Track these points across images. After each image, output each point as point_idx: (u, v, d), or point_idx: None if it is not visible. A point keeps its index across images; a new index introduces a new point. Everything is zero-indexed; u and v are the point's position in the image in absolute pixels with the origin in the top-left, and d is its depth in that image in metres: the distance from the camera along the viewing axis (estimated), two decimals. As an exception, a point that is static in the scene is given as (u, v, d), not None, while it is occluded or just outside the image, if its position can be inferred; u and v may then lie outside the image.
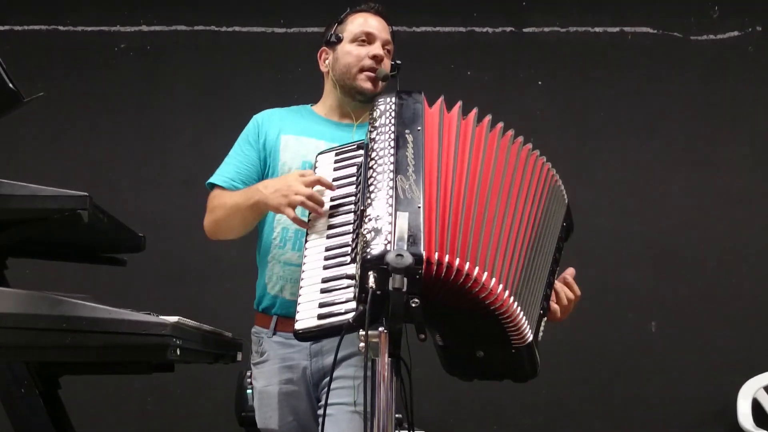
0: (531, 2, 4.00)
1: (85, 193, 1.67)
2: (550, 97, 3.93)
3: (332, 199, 1.82)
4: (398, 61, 2.17)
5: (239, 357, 2.22)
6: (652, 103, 3.92)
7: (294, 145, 2.13)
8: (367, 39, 2.14)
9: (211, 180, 2.14)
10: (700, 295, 3.77)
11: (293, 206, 1.83)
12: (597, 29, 3.99)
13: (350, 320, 1.47)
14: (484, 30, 3.99)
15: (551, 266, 1.80)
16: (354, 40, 2.15)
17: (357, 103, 2.16)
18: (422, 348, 1.56)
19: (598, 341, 3.72)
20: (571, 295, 1.86)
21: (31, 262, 2.19)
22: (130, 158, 3.87)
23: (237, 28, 3.98)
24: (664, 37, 3.97)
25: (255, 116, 2.23)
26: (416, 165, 1.57)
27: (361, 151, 1.83)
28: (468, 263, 1.49)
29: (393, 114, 1.69)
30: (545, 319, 1.76)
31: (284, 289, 2.06)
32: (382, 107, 1.73)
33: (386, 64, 2.15)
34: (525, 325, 1.55)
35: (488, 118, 1.77)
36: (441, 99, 1.77)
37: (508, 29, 3.99)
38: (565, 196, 1.92)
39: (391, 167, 1.57)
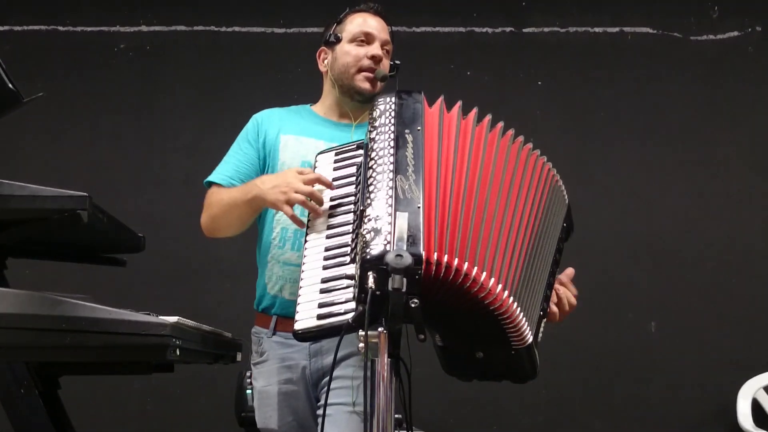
0: (531, 2, 4.00)
1: (85, 194, 1.67)
2: (550, 97, 3.93)
3: (332, 199, 1.82)
4: (397, 62, 2.17)
5: (239, 357, 2.22)
6: (652, 103, 3.92)
7: (293, 144, 2.13)
8: (366, 39, 2.14)
9: (210, 178, 2.14)
10: (700, 295, 3.77)
11: (292, 204, 1.83)
12: (597, 29, 3.99)
13: (350, 320, 1.47)
14: (484, 30, 3.99)
15: (551, 267, 1.80)
16: (353, 40, 2.15)
17: (355, 104, 2.16)
18: (422, 348, 1.56)
19: (598, 341, 3.72)
20: (573, 300, 1.86)
21: (31, 262, 2.19)
22: (130, 158, 3.87)
23: (237, 29, 3.98)
24: (664, 37, 3.97)
25: (254, 115, 2.23)
26: (416, 165, 1.57)
27: (361, 151, 1.83)
28: (467, 263, 1.49)
29: (393, 114, 1.69)
30: (545, 320, 1.76)
31: (284, 289, 2.06)
32: (381, 107, 1.73)
33: (385, 65, 2.15)
34: (524, 326, 1.55)
35: (488, 117, 1.76)
36: (441, 99, 1.76)
37: (508, 29, 3.99)
38: (566, 196, 1.92)
39: (391, 167, 1.57)
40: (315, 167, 1.95)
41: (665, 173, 3.87)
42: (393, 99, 1.73)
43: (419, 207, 1.49)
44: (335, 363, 1.76)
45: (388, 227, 1.46)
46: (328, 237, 1.74)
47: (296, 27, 3.95)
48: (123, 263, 2.32)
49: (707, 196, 3.85)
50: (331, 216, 1.79)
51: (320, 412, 1.91)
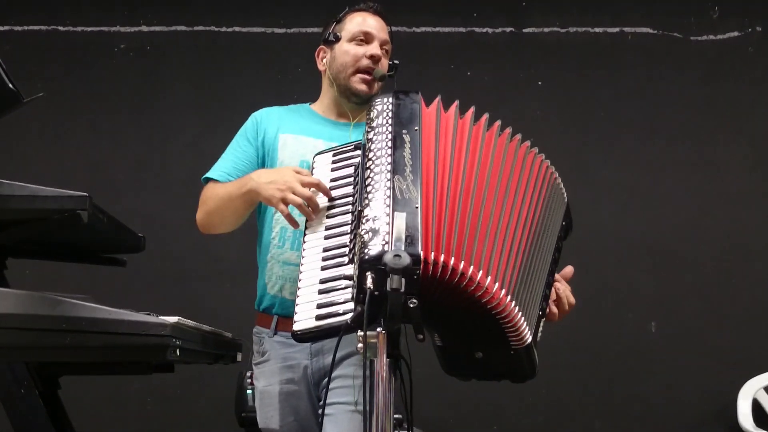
0: (531, 2, 4.00)
1: (85, 194, 1.67)
2: (550, 97, 3.93)
3: (330, 200, 1.82)
4: (396, 61, 2.16)
5: (239, 357, 2.22)
6: (652, 103, 3.92)
7: (292, 144, 2.13)
8: (365, 38, 2.14)
9: (208, 174, 2.13)
10: (700, 295, 3.78)
11: (287, 204, 1.83)
12: (597, 29, 3.99)
13: (348, 321, 1.46)
14: (484, 30, 3.99)
15: (550, 266, 1.80)
16: (352, 39, 2.15)
17: (352, 104, 2.16)
18: (422, 348, 1.56)
19: (598, 341, 3.72)
20: (572, 299, 1.86)
21: (31, 262, 2.20)
22: (130, 158, 3.87)
23: (237, 29, 3.98)
24: (664, 37, 3.97)
25: (254, 114, 2.23)
26: (413, 165, 1.57)
27: (359, 152, 1.83)
28: (464, 263, 1.48)
29: (390, 114, 1.69)
30: (544, 319, 1.76)
31: (284, 288, 2.06)
32: (379, 107, 1.72)
33: (384, 64, 2.15)
34: (523, 326, 1.55)
35: (485, 116, 1.76)
36: (438, 99, 1.76)
37: (508, 29, 3.99)
38: (565, 195, 1.92)
39: (389, 167, 1.57)
40: (313, 168, 1.95)
41: (665, 173, 3.87)
42: (390, 99, 1.73)
43: (417, 207, 1.49)
44: (335, 363, 1.77)
45: (386, 227, 1.45)
46: (326, 237, 1.74)
47: (296, 27, 3.96)
48: (123, 263, 2.32)
49: (707, 196, 3.85)
50: (329, 216, 1.78)
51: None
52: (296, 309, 1.62)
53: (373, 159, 1.61)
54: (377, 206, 1.51)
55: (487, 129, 1.74)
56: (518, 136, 1.80)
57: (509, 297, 1.52)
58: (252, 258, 2.21)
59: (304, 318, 1.58)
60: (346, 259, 1.63)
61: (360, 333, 1.38)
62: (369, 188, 1.55)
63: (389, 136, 1.63)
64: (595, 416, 3.72)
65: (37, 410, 1.90)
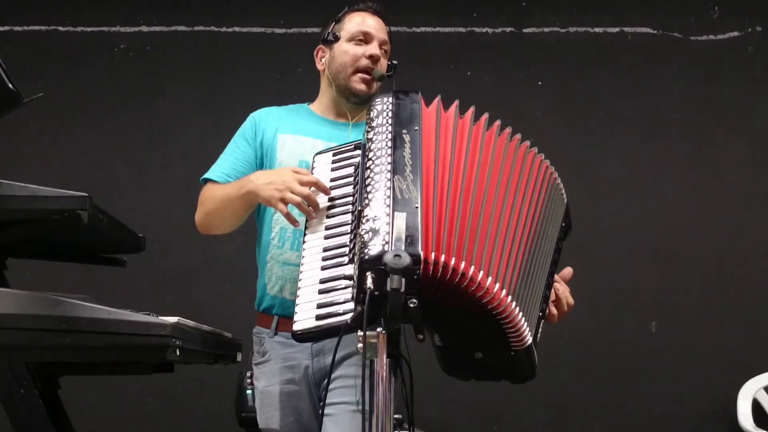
0: (531, 2, 4.00)
1: (85, 194, 1.67)
2: (550, 97, 3.93)
3: (330, 200, 1.82)
4: (394, 62, 2.16)
5: (239, 357, 2.23)
6: (652, 103, 3.92)
7: (291, 144, 2.13)
8: (365, 38, 2.14)
9: (206, 175, 2.13)
10: (700, 295, 3.78)
11: (287, 203, 1.83)
12: (597, 29, 3.99)
13: (348, 321, 1.46)
14: (484, 30, 3.99)
15: (550, 267, 1.79)
16: (351, 39, 2.15)
17: (351, 104, 2.16)
18: (422, 348, 1.56)
19: (598, 341, 3.72)
20: (571, 300, 1.86)
21: (31, 262, 2.20)
22: (130, 159, 3.88)
23: (237, 29, 3.98)
24: (664, 37, 3.97)
25: (252, 114, 2.23)
26: (413, 165, 1.57)
27: (359, 152, 1.83)
28: (464, 263, 1.48)
29: (390, 114, 1.69)
30: (543, 320, 1.76)
31: (284, 289, 2.06)
32: (379, 107, 1.72)
33: (383, 64, 2.15)
34: (524, 327, 1.55)
35: (485, 116, 1.76)
36: (438, 99, 1.76)
37: (508, 29, 3.99)
38: (564, 195, 1.91)
39: (389, 167, 1.57)
40: (313, 168, 1.95)
41: (665, 173, 3.87)
42: (390, 99, 1.73)
43: (417, 207, 1.49)
44: (334, 363, 1.77)
45: (386, 227, 1.45)
46: (326, 237, 1.74)
47: (296, 27, 3.96)
48: (123, 263, 2.33)
49: (707, 196, 3.85)
50: (329, 216, 1.78)
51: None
52: (296, 309, 1.62)
53: (373, 159, 1.61)
54: (377, 206, 1.51)
55: (486, 129, 1.74)
56: (518, 136, 1.80)
57: (510, 298, 1.52)
58: (252, 258, 2.21)
59: (304, 318, 1.58)
60: (346, 259, 1.63)
61: (360, 333, 1.38)
62: (369, 188, 1.55)
63: (389, 136, 1.63)
64: (595, 416, 3.72)
65: (38, 410, 1.90)
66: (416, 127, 1.65)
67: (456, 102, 1.76)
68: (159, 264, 3.63)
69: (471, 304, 1.50)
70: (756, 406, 3.57)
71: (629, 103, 3.92)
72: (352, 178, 1.82)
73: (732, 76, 3.93)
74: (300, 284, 1.68)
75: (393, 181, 1.53)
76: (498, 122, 1.77)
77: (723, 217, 3.82)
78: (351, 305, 1.49)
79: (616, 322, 3.77)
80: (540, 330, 1.72)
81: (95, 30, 3.95)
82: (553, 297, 1.82)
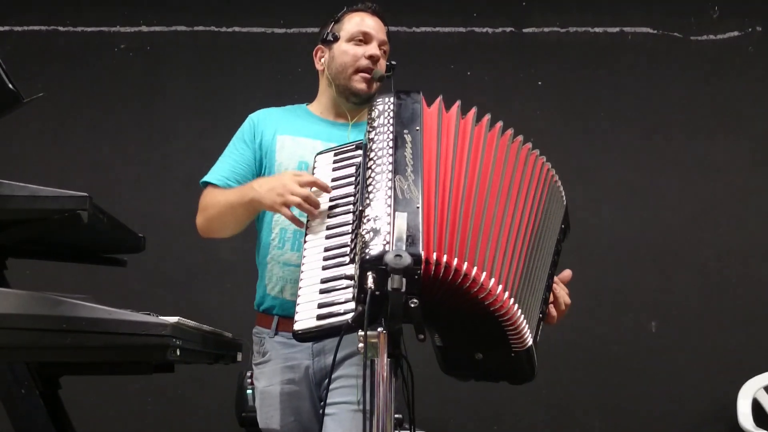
0: (531, 2, 4.00)
1: (85, 194, 1.67)
2: (550, 97, 3.93)
3: (331, 200, 1.82)
4: (393, 62, 2.16)
5: (239, 357, 2.23)
6: (652, 103, 3.92)
7: (290, 145, 2.13)
8: (364, 39, 2.14)
9: (206, 178, 2.13)
10: (700, 295, 3.78)
11: (289, 206, 1.83)
12: (597, 29, 3.99)
13: (349, 321, 1.47)
14: (484, 30, 3.99)
15: (550, 269, 1.80)
16: (351, 40, 2.15)
17: (351, 104, 2.16)
18: (422, 348, 1.56)
19: (598, 341, 3.72)
20: (568, 299, 1.86)
21: (31, 262, 2.20)
22: (130, 159, 3.87)
23: (237, 29, 3.98)
24: (664, 37, 3.97)
25: (251, 115, 2.23)
26: (415, 165, 1.57)
27: (360, 151, 1.83)
28: (467, 263, 1.48)
29: (391, 114, 1.69)
30: (543, 322, 1.76)
31: (284, 289, 2.06)
32: (380, 107, 1.73)
33: (381, 65, 2.14)
34: (525, 329, 1.55)
35: (487, 117, 1.76)
36: (439, 99, 1.76)
37: (508, 29, 3.99)
38: (564, 196, 1.92)
39: (390, 167, 1.57)
40: (314, 167, 1.95)
41: (665, 173, 3.87)
42: (391, 99, 1.73)
43: (418, 207, 1.49)
44: (335, 363, 1.77)
45: (387, 227, 1.46)
46: (327, 237, 1.74)
47: (296, 27, 3.96)
48: (123, 263, 2.32)
49: (707, 196, 3.85)
50: (330, 216, 1.79)
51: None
52: (297, 309, 1.62)
53: (375, 159, 1.61)
54: (378, 206, 1.51)
55: (488, 129, 1.74)
56: (520, 138, 1.80)
57: (511, 299, 1.52)
58: (252, 258, 2.21)
59: (305, 318, 1.58)
60: (347, 259, 1.63)
61: (361, 333, 1.38)
62: (370, 188, 1.55)
63: (390, 136, 1.64)
64: (595, 416, 3.72)
65: (38, 410, 1.90)
66: (418, 127, 1.65)
67: (458, 102, 1.76)
68: (159, 264, 3.63)
69: (472, 304, 1.50)
70: (756, 405, 3.57)
71: (629, 103, 3.92)
72: (353, 178, 1.82)
73: (732, 76, 3.93)
74: (301, 284, 1.68)
75: (394, 181, 1.54)
76: (500, 123, 1.77)
77: (723, 217, 3.82)
78: (352, 305, 1.50)
79: (616, 322, 3.77)
80: (540, 331, 1.72)
81: (95, 30, 3.95)
82: (551, 298, 1.82)
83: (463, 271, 1.47)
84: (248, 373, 2.87)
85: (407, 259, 1.35)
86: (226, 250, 3.62)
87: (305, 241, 1.78)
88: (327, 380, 1.97)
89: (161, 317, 1.57)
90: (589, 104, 3.94)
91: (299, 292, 1.66)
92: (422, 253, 1.43)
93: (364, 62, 2.11)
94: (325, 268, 1.67)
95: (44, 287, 1.74)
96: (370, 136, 1.68)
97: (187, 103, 3.92)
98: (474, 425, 3.71)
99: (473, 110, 1.76)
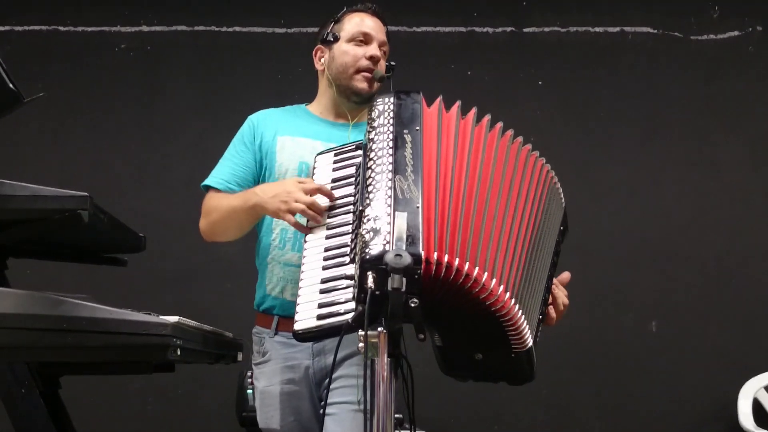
0: (531, 2, 4.01)
1: (86, 194, 1.67)
2: (550, 97, 3.93)
3: (333, 201, 1.82)
4: (392, 63, 2.17)
5: (240, 357, 2.22)
6: (653, 102, 3.92)
7: (290, 146, 2.13)
8: (365, 39, 2.14)
9: (206, 182, 2.14)
10: (700, 295, 3.78)
11: (293, 213, 1.83)
12: (597, 29, 3.99)
13: (349, 320, 1.47)
14: (484, 30, 3.99)
15: (549, 270, 1.80)
16: (351, 40, 2.15)
17: (352, 104, 2.16)
18: (422, 348, 1.56)
19: (598, 341, 3.72)
20: (566, 300, 1.87)
21: (31, 262, 2.20)
22: (131, 158, 3.88)
23: (237, 29, 3.98)
24: (664, 37, 3.97)
25: (250, 117, 2.23)
26: (415, 165, 1.57)
27: (360, 152, 1.83)
28: (468, 263, 1.48)
29: (391, 114, 1.69)
30: (542, 323, 1.76)
31: (285, 290, 2.06)
32: (380, 107, 1.73)
33: (381, 66, 2.15)
34: (525, 329, 1.55)
35: (487, 117, 1.76)
36: (439, 99, 1.76)
37: (508, 29, 3.99)
38: (563, 198, 1.92)
39: (390, 167, 1.57)
40: (314, 168, 1.95)
41: (665, 173, 3.87)
42: (391, 99, 1.73)
43: (418, 207, 1.49)
44: (335, 363, 1.77)
45: (387, 227, 1.46)
46: (327, 237, 1.74)
47: (297, 27, 3.96)
48: (124, 263, 2.33)
49: (707, 196, 3.85)
50: (330, 216, 1.79)
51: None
52: (297, 308, 1.62)
53: (375, 159, 1.61)
54: (378, 206, 1.51)
55: (489, 130, 1.74)
56: (519, 138, 1.80)
57: (513, 300, 1.52)
58: (253, 258, 2.21)
59: (306, 317, 1.58)
60: (347, 259, 1.63)
61: (361, 332, 1.39)
62: (370, 188, 1.55)
63: (390, 136, 1.64)
64: (595, 416, 3.73)
65: (38, 410, 1.90)
66: (418, 127, 1.65)
67: (458, 103, 1.76)
68: (159, 264, 3.63)
69: (473, 304, 1.50)
70: (756, 405, 3.57)
71: (629, 103, 3.92)
72: (353, 178, 1.82)
73: (732, 76, 3.93)
74: (301, 284, 1.68)
75: (394, 181, 1.54)
76: (500, 124, 1.77)
77: (723, 217, 3.83)
78: (352, 305, 1.50)
79: (616, 322, 3.77)
80: (539, 332, 1.72)
81: (96, 30, 3.95)
82: (550, 300, 1.82)
83: (464, 271, 1.47)
84: (249, 373, 2.88)
85: (407, 259, 1.36)
86: (227, 249, 3.60)
87: (305, 241, 1.78)
88: (327, 380, 1.98)
89: (162, 317, 1.57)
90: (589, 104, 3.94)
91: (299, 292, 1.66)
92: (422, 253, 1.43)
93: (365, 63, 2.11)
94: (325, 268, 1.67)
95: (45, 287, 1.74)
96: (370, 136, 1.68)
97: (188, 103, 3.92)
98: (474, 425, 3.71)
99: (473, 110, 1.76)
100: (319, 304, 1.58)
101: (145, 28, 3.96)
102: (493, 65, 3.96)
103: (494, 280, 1.50)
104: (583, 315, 3.60)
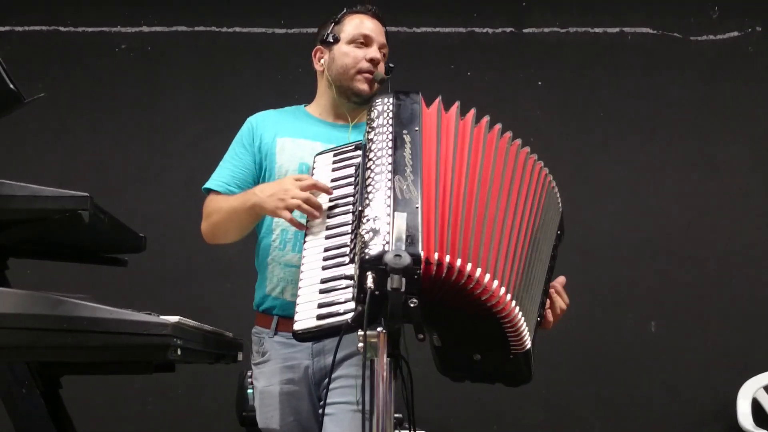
0: (531, 2, 4.01)
1: (86, 194, 1.67)
2: (550, 97, 3.93)
3: (331, 200, 1.83)
4: (391, 65, 2.18)
5: (240, 357, 2.23)
6: (652, 103, 3.92)
7: (290, 147, 2.13)
8: (365, 41, 2.15)
9: (207, 185, 2.15)
10: (700, 295, 3.78)
11: (290, 209, 1.84)
12: (597, 29, 3.99)
13: (349, 320, 1.47)
14: (484, 30, 3.99)
15: (547, 273, 1.80)
16: (351, 42, 2.15)
17: (352, 105, 2.16)
18: (422, 348, 1.57)
19: (598, 341, 3.72)
20: (563, 305, 1.87)
21: (32, 262, 2.20)
22: (131, 159, 3.88)
23: (237, 29, 3.98)
24: (664, 37, 3.98)
25: (249, 119, 2.23)
26: (414, 165, 1.57)
27: (359, 152, 1.84)
28: (470, 264, 1.48)
29: (390, 114, 1.69)
30: (540, 325, 1.76)
31: (285, 290, 2.06)
32: (379, 108, 1.73)
33: (381, 68, 2.15)
34: (524, 330, 1.55)
35: (486, 118, 1.76)
36: (438, 99, 1.77)
37: (508, 30, 3.99)
38: (560, 202, 1.92)
39: (389, 168, 1.57)
40: (314, 168, 1.96)
41: (665, 173, 3.87)
42: (391, 100, 1.73)
43: (417, 207, 1.50)
44: (335, 363, 1.77)
45: (386, 227, 1.46)
46: (327, 237, 1.74)
47: (297, 27, 3.96)
48: (124, 263, 2.33)
49: (707, 196, 3.85)
50: (330, 217, 1.79)
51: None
52: (297, 308, 1.62)
53: (374, 159, 1.61)
54: (378, 206, 1.51)
55: (488, 131, 1.75)
56: (518, 141, 1.80)
57: (514, 302, 1.52)
58: (253, 258, 2.21)
59: (305, 317, 1.59)
60: (346, 259, 1.63)
61: (360, 333, 1.39)
62: (369, 188, 1.55)
63: (390, 137, 1.64)
64: (595, 416, 3.73)
65: (39, 410, 1.90)
66: (417, 128, 1.66)
67: (457, 103, 1.76)
68: (160, 264, 3.63)
69: (473, 305, 1.50)
70: (756, 405, 3.57)
71: (629, 103, 3.92)
72: (352, 179, 1.82)
73: (732, 76, 3.93)
74: (301, 284, 1.68)
75: (393, 182, 1.54)
76: (499, 126, 1.77)
77: (723, 217, 3.83)
78: (352, 305, 1.50)
79: (616, 321, 3.77)
80: (536, 335, 1.72)
81: (96, 30, 3.96)
82: (548, 303, 1.83)
83: (466, 272, 1.47)
84: (249, 373, 2.88)
85: (407, 259, 1.36)
86: (227, 249, 3.58)
87: (305, 242, 1.79)
88: (326, 380, 1.98)
89: (162, 317, 1.57)
90: (589, 104, 3.94)
91: (299, 292, 1.66)
92: (422, 253, 1.43)
93: (365, 65, 2.12)
94: (324, 268, 1.67)
95: (45, 287, 1.74)
96: (370, 137, 1.68)
97: (188, 103, 3.93)
98: (474, 425, 3.72)
99: (472, 111, 1.76)
100: (318, 304, 1.59)
101: (145, 29, 3.97)
102: (492, 65, 3.96)
103: (496, 282, 1.50)
104: (582, 315, 3.60)
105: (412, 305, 1.39)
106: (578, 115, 3.94)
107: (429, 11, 3.98)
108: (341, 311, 1.53)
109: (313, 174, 1.93)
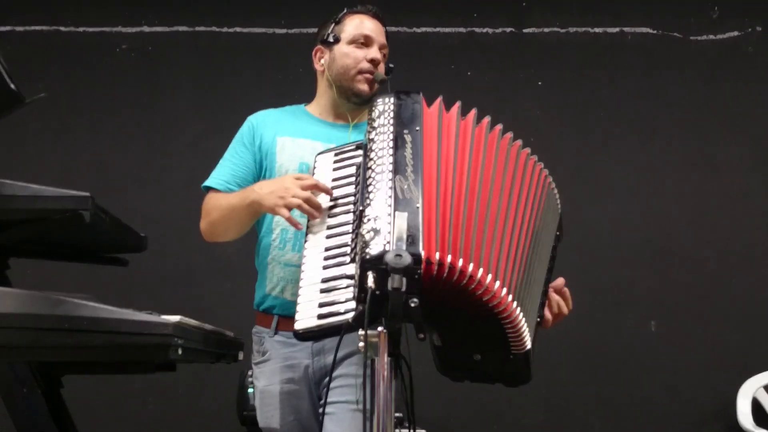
0: (531, 2, 4.01)
1: (87, 194, 1.67)
2: (550, 97, 3.93)
3: (331, 200, 1.83)
4: (391, 65, 2.18)
5: (241, 356, 2.23)
6: (652, 103, 3.92)
7: (290, 146, 2.13)
8: (365, 42, 2.15)
9: (207, 183, 2.15)
10: (700, 295, 3.78)
11: (289, 208, 1.84)
12: (597, 29, 3.99)
13: (350, 320, 1.47)
14: (484, 30, 3.99)
15: (546, 274, 1.80)
16: (352, 42, 2.15)
17: (352, 105, 2.17)
18: (422, 347, 1.57)
19: (598, 341, 3.73)
20: (565, 309, 1.87)
21: (32, 262, 2.20)
22: (132, 158, 3.88)
23: (238, 29, 3.99)
24: (664, 37, 3.98)
25: (249, 118, 2.23)
26: (415, 165, 1.58)
27: (360, 152, 1.84)
28: (472, 264, 1.48)
29: (391, 114, 1.70)
30: (539, 326, 1.76)
31: (285, 290, 2.06)
32: (380, 107, 1.73)
33: (381, 68, 2.16)
34: (525, 331, 1.55)
35: (487, 119, 1.77)
36: (439, 99, 1.77)
37: (508, 30, 3.99)
38: (559, 203, 1.92)
39: (390, 167, 1.57)
40: (314, 168, 1.96)
41: (665, 173, 3.87)
42: (392, 99, 1.74)
43: (418, 207, 1.50)
44: (336, 362, 1.78)
45: (387, 227, 1.46)
46: (328, 237, 1.75)
47: (297, 27, 3.96)
48: (125, 263, 2.33)
49: (707, 196, 3.85)
50: (330, 216, 1.79)
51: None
52: (298, 308, 1.62)
53: (375, 159, 1.61)
54: (378, 206, 1.51)
55: (489, 131, 1.75)
56: (519, 142, 1.81)
57: (515, 302, 1.53)
58: (252, 257, 2.21)
59: (306, 317, 1.59)
60: (347, 259, 1.64)
61: (361, 332, 1.39)
62: (370, 188, 1.56)
63: (391, 136, 1.64)
64: (595, 416, 3.73)
65: (40, 409, 1.90)
66: (418, 128, 1.66)
67: (458, 103, 1.77)
68: (161, 263, 3.63)
69: (474, 304, 1.50)
70: (756, 405, 3.58)
71: (629, 103, 3.93)
72: (353, 178, 1.82)
73: (732, 76, 3.93)
74: (301, 283, 1.68)
75: (394, 181, 1.54)
76: (499, 126, 1.78)
77: (723, 217, 3.83)
78: (352, 304, 1.50)
79: (616, 321, 3.77)
80: (536, 335, 1.72)
81: (96, 30, 3.96)
82: (547, 303, 1.83)
83: (467, 272, 1.48)
84: (249, 372, 2.88)
85: (407, 259, 1.36)
86: (227, 249, 3.60)
87: (306, 241, 1.79)
88: (327, 379, 1.98)
89: (163, 316, 1.58)
90: (589, 104, 3.94)
91: (300, 292, 1.66)
92: (422, 253, 1.43)
93: (366, 65, 2.12)
94: (325, 267, 1.67)
95: (46, 287, 1.74)
96: (371, 137, 1.68)
97: (188, 103, 3.93)
98: (474, 425, 3.72)
99: (473, 111, 1.77)
100: (319, 304, 1.59)
101: (145, 29, 3.97)
102: (493, 66, 3.96)
103: (497, 282, 1.50)
104: (582, 315, 3.58)
105: (412, 305, 1.39)
106: (578, 115, 3.94)
107: (429, 11, 3.98)
108: (342, 311, 1.53)
109: (314, 174, 1.94)
